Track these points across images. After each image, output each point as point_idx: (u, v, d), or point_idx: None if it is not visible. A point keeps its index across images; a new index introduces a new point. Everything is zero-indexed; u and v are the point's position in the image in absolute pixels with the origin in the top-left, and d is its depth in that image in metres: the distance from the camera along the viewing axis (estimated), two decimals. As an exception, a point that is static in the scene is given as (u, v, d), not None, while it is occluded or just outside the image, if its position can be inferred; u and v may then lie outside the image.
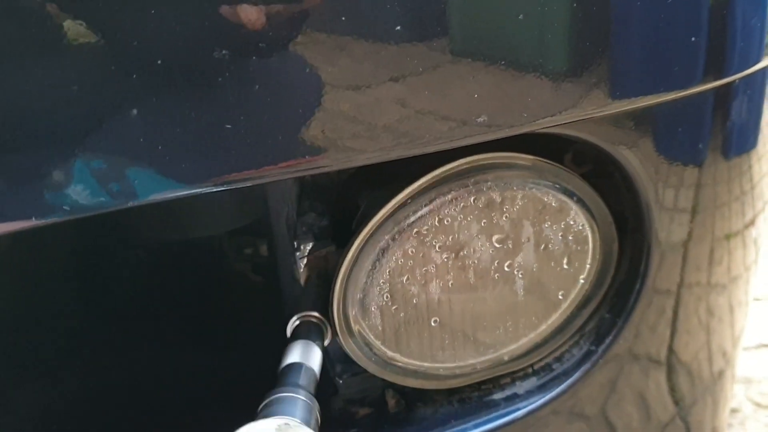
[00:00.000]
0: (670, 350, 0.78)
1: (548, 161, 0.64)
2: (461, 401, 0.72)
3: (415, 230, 0.61)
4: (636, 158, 0.64)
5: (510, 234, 0.64)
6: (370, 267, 0.62)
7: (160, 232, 0.77)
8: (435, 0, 0.49)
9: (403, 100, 0.50)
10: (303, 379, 0.56)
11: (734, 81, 0.66)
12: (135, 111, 0.45)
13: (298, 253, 0.71)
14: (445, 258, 0.63)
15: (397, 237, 0.61)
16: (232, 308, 0.79)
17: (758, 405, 1.65)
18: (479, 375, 0.71)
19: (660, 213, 0.68)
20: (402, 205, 0.61)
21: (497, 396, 0.72)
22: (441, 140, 0.53)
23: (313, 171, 0.51)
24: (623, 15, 0.55)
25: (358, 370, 0.69)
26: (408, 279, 0.63)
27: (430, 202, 0.61)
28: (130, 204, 0.47)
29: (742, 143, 0.74)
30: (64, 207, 0.45)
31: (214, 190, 0.49)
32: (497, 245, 0.64)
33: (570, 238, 0.66)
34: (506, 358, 0.70)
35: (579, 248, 0.67)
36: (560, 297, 0.69)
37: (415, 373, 0.68)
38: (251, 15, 0.45)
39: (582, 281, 0.69)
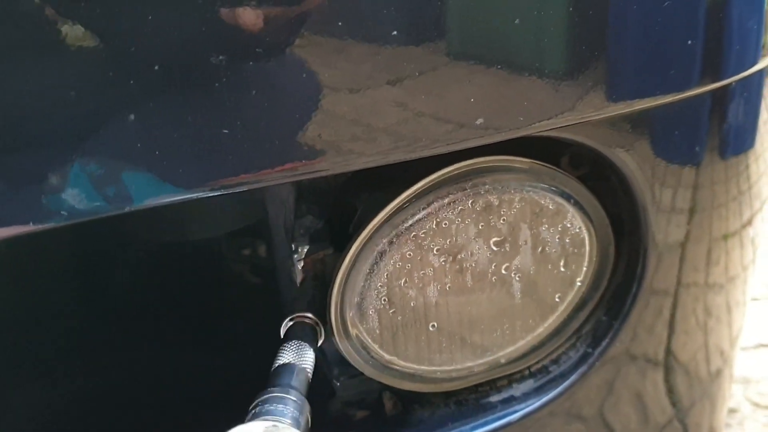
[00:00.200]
0: (668, 351, 0.79)
1: (545, 164, 0.64)
2: (458, 403, 0.72)
3: (413, 234, 0.61)
4: (633, 161, 0.64)
5: (507, 237, 0.64)
6: (367, 270, 0.62)
7: (158, 235, 0.77)
8: (434, 3, 0.49)
9: (402, 104, 0.50)
10: (295, 380, 0.56)
11: (731, 83, 0.66)
12: (132, 116, 0.45)
13: (295, 256, 0.71)
14: (443, 261, 0.63)
15: (394, 240, 0.61)
16: (230, 309, 0.80)
17: (757, 405, 1.65)
18: (476, 378, 0.71)
19: (657, 215, 0.68)
20: (399, 209, 0.61)
21: (494, 398, 0.72)
22: (439, 143, 0.53)
23: (311, 175, 0.51)
24: (620, 18, 0.55)
25: (356, 373, 0.69)
26: (405, 282, 0.63)
27: (428, 205, 0.61)
28: (127, 209, 0.47)
29: (739, 144, 0.74)
30: (61, 212, 0.45)
31: (212, 194, 0.49)
32: (494, 248, 0.64)
33: (567, 240, 0.66)
34: (503, 360, 0.70)
35: (576, 251, 0.67)
36: (557, 299, 0.69)
37: (412, 377, 0.68)
38: (248, 19, 0.45)
39: (579, 284, 0.69)
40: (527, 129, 0.55)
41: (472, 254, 0.63)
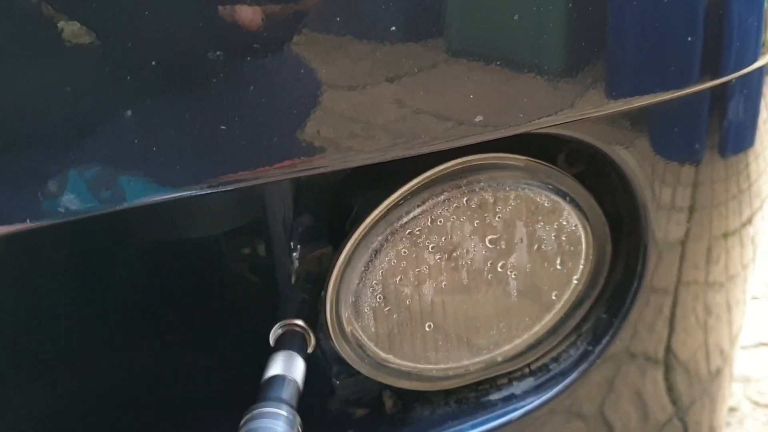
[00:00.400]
0: (668, 349, 0.78)
1: (541, 162, 0.64)
2: (458, 402, 0.72)
3: (408, 231, 0.61)
4: (632, 158, 0.64)
5: (503, 235, 0.64)
6: (363, 268, 0.62)
7: (154, 233, 0.77)
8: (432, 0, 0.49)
9: (400, 101, 0.50)
10: (285, 393, 0.55)
11: (731, 80, 0.66)
12: (129, 113, 0.45)
13: (294, 254, 0.70)
14: (438, 259, 0.63)
15: (389, 238, 0.61)
16: (227, 308, 0.79)
17: (756, 403, 1.65)
18: (473, 376, 0.71)
19: (657, 213, 0.68)
20: (395, 206, 0.61)
21: (494, 396, 0.72)
22: (438, 140, 0.53)
23: (310, 172, 0.51)
24: (620, 15, 0.55)
25: (355, 371, 0.69)
26: (401, 280, 0.63)
27: (423, 203, 0.61)
28: (124, 206, 0.47)
29: (739, 142, 0.74)
30: (59, 209, 0.45)
31: (211, 191, 0.49)
32: (490, 246, 0.64)
33: (563, 238, 0.66)
34: (500, 359, 0.70)
35: (572, 249, 0.67)
36: (553, 298, 0.69)
37: (409, 375, 0.68)
38: (246, 15, 0.45)
39: (575, 282, 0.69)
40: (527, 126, 0.55)
41: (467, 252, 0.63)
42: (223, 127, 0.46)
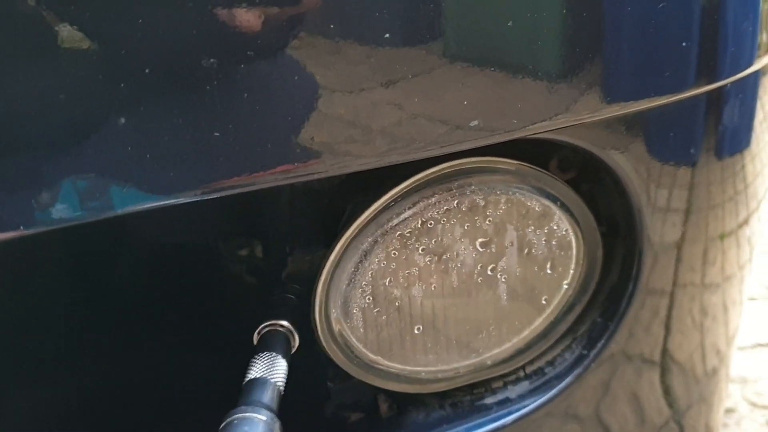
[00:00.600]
0: (664, 351, 0.78)
1: (532, 166, 0.64)
2: (453, 405, 0.72)
3: (398, 233, 0.61)
4: (628, 162, 0.64)
5: (493, 238, 0.64)
6: (352, 269, 0.62)
7: (149, 236, 0.77)
8: (431, 5, 0.49)
9: (397, 106, 0.50)
10: (266, 397, 0.55)
11: (726, 85, 0.66)
12: (123, 119, 0.45)
13: (289, 258, 0.71)
14: (428, 261, 0.63)
15: (380, 239, 0.61)
16: (222, 310, 0.79)
17: (754, 405, 1.65)
18: (463, 379, 0.71)
19: (652, 216, 0.68)
20: (385, 208, 0.61)
21: (489, 400, 0.72)
22: (435, 145, 0.53)
23: (306, 177, 0.51)
24: (615, 20, 0.55)
25: (351, 375, 0.69)
26: (390, 282, 0.63)
27: (414, 205, 0.61)
28: (117, 213, 0.47)
29: (735, 144, 0.74)
30: (54, 216, 0.45)
31: (206, 198, 0.49)
32: (480, 249, 0.64)
33: (553, 243, 0.66)
34: (489, 362, 0.70)
35: (563, 253, 0.67)
36: (544, 302, 0.69)
37: (397, 377, 0.68)
38: (240, 21, 0.45)
39: (566, 286, 0.69)
40: (523, 131, 0.55)
41: (457, 255, 0.63)
42: (217, 134, 0.46)
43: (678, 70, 0.60)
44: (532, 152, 0.64)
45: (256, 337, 0.62)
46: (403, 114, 0.51)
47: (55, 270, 0.77)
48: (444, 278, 0.64)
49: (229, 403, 0.57)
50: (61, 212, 0.45)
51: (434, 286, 0.64)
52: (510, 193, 0.63)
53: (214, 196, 0.49)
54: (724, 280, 0.83)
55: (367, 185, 0.64)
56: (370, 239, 0.61)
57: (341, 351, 0.65)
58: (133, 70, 0.44)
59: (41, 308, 0.76)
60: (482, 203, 0.62)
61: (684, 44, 0.59)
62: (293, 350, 0.62)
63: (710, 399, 0.92)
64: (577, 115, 0.57)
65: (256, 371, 0.57)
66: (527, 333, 0.70)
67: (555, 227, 0.65)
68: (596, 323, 0.74)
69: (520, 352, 0.71)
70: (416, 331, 0.66)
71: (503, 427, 0.70)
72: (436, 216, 0.61)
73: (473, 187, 0.61)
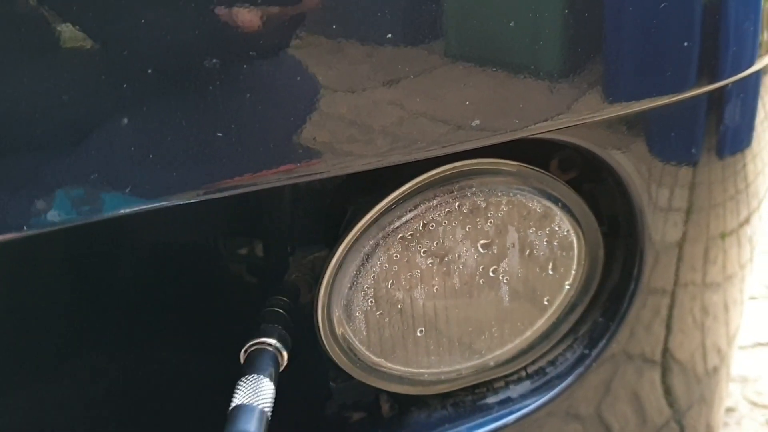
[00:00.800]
0: (665, 350, 0.79)
1: (533, 167, 0.64)
2: (455, 405, 0.72)
3: (400, 235, 0.61)
4: (629, 162, 0.64)
5: (495, 239, 0.64)
6: (354, 272, 0.62)
7: (148, 235, 0.77)
8: (433, 5, 0.49)
9: (400, 106, 0.50)
10: (252, 425, 0.53)
11: (727, 84, 0.66)
12: (126, 119, 0.45)
13: (291, 258, 0.70)
14: (430, 263, 0.63)
15: (381, 242, 0.61)
16: (223, 311, 0.79)
17: (754, 404, 1.65)
18: (465, 380, 0.71)
19: (654, 216, 0.68)
20: (387, 210, 0.61)
21: (491, 400, 0.72)
22: (436, 145, 0.53)
23: (308, 178, 0.51)
24: (617, 20, 0.55)
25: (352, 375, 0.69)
26: (393, 284, 0.63)
27: (415, 207, 0.61)
28: (122, 212, 0.47)
29: (736, 144, 0.74)
30: (58, 215, 0.45)
31: (208, 197, 0.48)
32: (482, 251, 0.64)
33: (555, 244, 0.66)
34: (492, 363, 0.70)
35: (564, 254, 0.67)
36: (546, 303, 0.69)
37: (400, 379, 0.68)
38: (242, 21, 0.45)
39: (567, 287, 0.69)
40: (525, 131, 0.55)
41: (459, 256, 0.63)
42: (219, 134, 0.46)
43: (680, 70, 0.60)
44: (533, 153, 0.64)
45: (243, 356, 0.61)
46: (405, 114, 0.51)
47: (57, 269, 0.77)
48: (446, 280, 0.64)
49: (228, 403, 0.56)
50: (64, 213, 0.45)
51: (436, 288, 0.64)
52: (511, 194, 0.62)
53: (216, 197, 0.49)
54: (725, 280, 0.83)
55: (367, 187, 0.64)
56: (371, 242, 0.61)
57: (344, 354, 0.65)
58: (135, 71, 0.44)
59: (42, 308, 0.76)
60: (483, 205, 0.62)
61: (686, 44, 0.59)
62: (281, 368, 0.61)
63: (711, 398, 0.92)
64: (579, 115, 0.57)
65: (241, 396, 0.55)
66: (529, 334, 0.70)
67: (556, 228, 0.65)
68: (598, 323, 0.74)
69: (522, 352, 0.71)
70: (419, 333, 0.66)
71: (505, 426, 0.70)
72: (438, 218, 0.61)
73: (474, 188, 0.61)
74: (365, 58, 0.48)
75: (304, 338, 0.68)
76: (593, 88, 0.56)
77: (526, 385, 0.73)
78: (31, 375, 0.75)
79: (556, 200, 0.64)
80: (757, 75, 0.70)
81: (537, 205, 0.64)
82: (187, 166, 0.47)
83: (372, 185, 0.63)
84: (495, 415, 0.71)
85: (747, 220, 0.83)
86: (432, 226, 0.62)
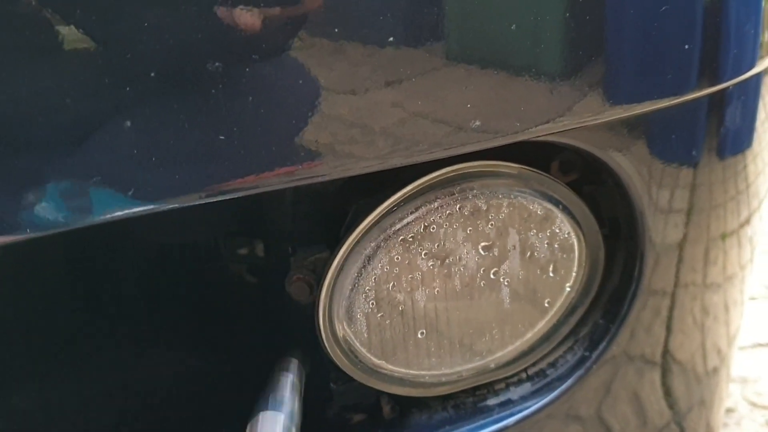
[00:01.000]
0: (666, 351, 0.79)
1: (534, 170, 0.64)
2: (456, 407, 0.72)
3: (401, 238, 0.61)
4: (630, 164, 0.64)
5: (496, 242, 0.64)
6: (356, 274, 0.62)
7: (150, 236, 0.77)
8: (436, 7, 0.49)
9: (402, 108, 0.50)
10: None
11: (728, 87, 0.66)
12: (128, 122, 0.45)
13: (292, 259, 0.71)
14: (431, 265, 0.63)
15: (382, 244, 0.61)
16: (223, 312, 0.79)
17: (754, 404, 1.65)
18: (466, 382, 0.71)
19: (654, 217, 0.68)
20: (388, 213, 0.61)
21: (491, 401, 0.72)
22: (437, 148, 0.53)
23: (309, 180, 0.51)
24: (618, 23, 0.55)
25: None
26: (394, 286, 0.63)
27: (416, 209, 0.61)
28: (119, 216, 0.47)
29: (736, 145, 0.74)
30: (61, 219, 0.45)
31: (209, 200, 0.49)
32: (483, 253, 0.64)
33: (556, 246, 0.66)
34: (492, 365, 0.70)
35: (565, 256, 0.67)
36: (546, 305, 0.69)
37: (401, 381, 0.68)
38: (242, 23, 0.45)
39: (568, 289, 0.69)
40: (526, 133, 0.55)
41: (460, 258, 0.63)
42: (221, 137, 0.46)
43: (681, 73, 0.60)
44: (534, 155, 0.64)
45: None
46: (406, 116, 0.51)
47: (61, 269, 0.77)
48: (447, 282, 0.64)
49: (233, 406, 0.56)
50: (69, 215, 0.45)
51: (437, 290, 0.64)
52: (512, 196, 0.63)
53: (218, 199, 0.49)
54: (725, 280, 0.83)
55: (368, 188, 0.64)
56: (373, 244, 0.61)
57: (345, 356, 0.65)
58: (137, 74, 0.44)
59: (51, 307, 0.77)
60: (484, 207, 0.62)
61: (687, 47, 0.59)
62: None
63: (711, 399, 0.92)
64: (580, 118, 0.57)
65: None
66: (530, 336, 0.70)
67: (557, 230, 0.65)
68: (598, 325, 0.74)
69: (523, 354, 0.71)
70: (420, 335, 0.66)
71: (505, 428, 0.70)
72: (439, 220, 0.61)
73: (475, 191, 0.61)
74: (367, 61, 0.48)
75: (304, 340, 0.68)
76: (594, 90, 0.56)
77: (527, 387, 0.73)
78: (43, 375, 0.75)
79: (556, 202, 0.64)
80: (758, 77, 0.70)
81: (538, 207, 0.64)
82: (188, 169, 0.47)
83: (373, 187, 0.63)
84: (496, 416, 0.71)
85: (747, 221, 0.83)
86: (433, 228, 0.62)
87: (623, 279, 0.72)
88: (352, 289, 0.62)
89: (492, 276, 0.65)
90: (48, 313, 0.76)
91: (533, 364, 0.73)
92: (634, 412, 0.80)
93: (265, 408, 0.55)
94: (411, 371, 0.68)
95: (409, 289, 0.63)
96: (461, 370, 0.69)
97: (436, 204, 0.61)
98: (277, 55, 0.46)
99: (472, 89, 0.52)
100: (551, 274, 0.67)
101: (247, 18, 0.45)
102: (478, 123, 0.53)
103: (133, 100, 0.44)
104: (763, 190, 0.86)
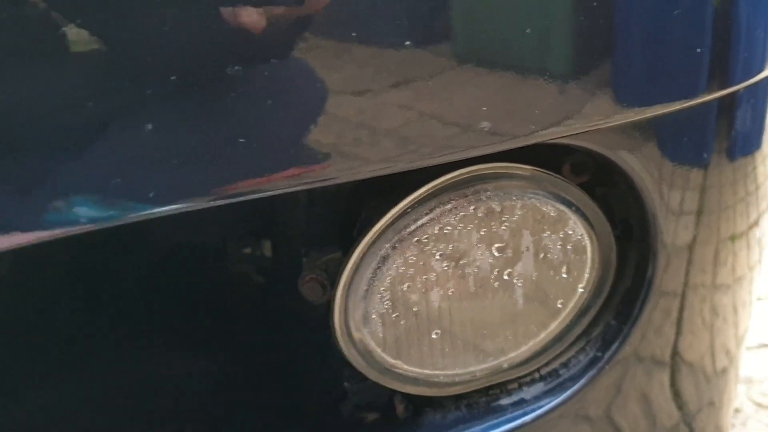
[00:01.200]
0: (675, 352, 0.79)
1: (546, 171, 0.64)
2: (469, 406, 0.72)
3: (416, 239, 0.62)
4: (641, 166, 0.64)
5: (509, 243, 0.64)
6: (370, 275, 0.62)
7: (161, 236, 0.77)
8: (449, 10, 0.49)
9: (414, 111, 0.50)
10: None
11: (739, 90, 0.66)
12: (138, 125, 0.45)
13: (305, 259, 0.71)
14: (445, 266, 0.63)
15: (397, 245, 0.61)
16: (235, 313, 0.80)
17: (759, 405, 1.64)
18: (479, 382, 0.71)
19: (666, 219, 0.69)
20: (402, 214, 0.61)
21: (504, 401, 0.73)
22: (448, 151, 0.53)
23: (318, 183, 0.51)
24: (631, 26, 0.55)
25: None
26: (408, 287, 0.63)
27: (430, 211, 0.61)
28: (136, 217, 0.47)
29: (746, 147, 0.74)
30: (80, 218, 0.46)
31: (218, 203, 0.49)
32: (496, 254, 0.64)
33: (569, 247, 0.66)
34: (506, 365, 0.71)
35: (578, 257, 0.67)
36: (559, 306, 0.69)
37: (416, 380, 0.69)
38: (249, 24, 0.45)
39: (581, 290, 0.69)
40: (538, 136, 0.56)
41: (474, 260, 0.64)
42: (229, 140, 0.47)
43: (692, 77, 0.60)
44: (546, 156, 0.65)
45: None
46: (417, 119, 0.51)
47: (72, 271, 0.77)
48: (461, 283, 0.64)
49: (231, 406, 0.57)
50: (83, 215, 0.46)
51: (451, 291, 0.64)
52: (525, 198, 0.63)
53: (226, 202, 0.49)
54: (734, 281, 0.83)
55: (381, 190, 0.64)
56: (387, 245, 0.61)
57: (360, 356, 0.66)
58: (146, 77, 0.44)
59: (57, 309, 0.77)
60: (498, 209, 0.63)
61: (698, 50, 0.59)
62: None
63: (720, 400, 0.92)
64: (591, 121, 0.57)
65: None
66: (543, 336, 0.70)
67: (570, 232, 0.66)
68: (610, 325, 0.74)
69: (535, 355, 0.71)
70: (434, 336, 0.66)
71: (518, 428, 0.70)
72: (453, 222, 0.62)
73: (489, 193, 0.62)
74: (377, 64, 0.48)
75: (319, 339, 0.69)
76: (606, 94, 0.56)
77: (540, 387, 0.74)
78: (47, 376, 0.75)
79: (569, 204, 0.65)
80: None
81: (551, 209, 0.64)
82: (198, 171, 0.47)
83: (385, 189, 0.63)
84: (509, 416, 0.71)
85: (756, 222, 0.83)
86: (447, 229, 0.62)
87: (635, 280, 0.72)
88: (367, 290, 0.63)
89: (505, 277, 0.65)
90: (60, 315, 0.76)
91: (546, 364, 0.74)
92: (644, 413, 0.80)
93: None
94: (425, 371, 0.68)
95: (423, 290, 0.64)
96: (475, 370, 0.69)
97: (450, 206, 0.61)
98: (286, 58, 0.46)
99: (485, 92, 0.52)
100: (564, 275, 0.68)
101: (256, 20, 0.45)
102: (490, 125, 0.53)
103: (147, 104, 0.44)
104: (772, 191, 0.86)
